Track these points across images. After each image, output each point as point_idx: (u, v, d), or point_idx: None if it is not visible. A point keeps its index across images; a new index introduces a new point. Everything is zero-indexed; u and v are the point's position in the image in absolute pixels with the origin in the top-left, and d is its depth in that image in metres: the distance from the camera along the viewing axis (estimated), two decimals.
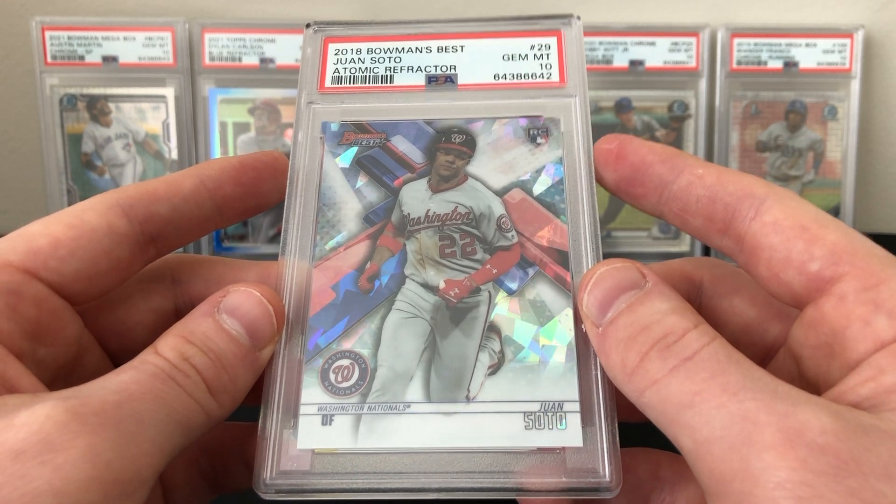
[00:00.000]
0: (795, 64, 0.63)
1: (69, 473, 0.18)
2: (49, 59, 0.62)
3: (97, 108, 0.63)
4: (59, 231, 0.23)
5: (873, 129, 0.66)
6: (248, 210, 0.27)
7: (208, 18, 0.63)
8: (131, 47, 0.62)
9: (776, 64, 0.63)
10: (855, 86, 0.63)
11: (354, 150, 0.28)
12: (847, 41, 0.62)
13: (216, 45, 0.63)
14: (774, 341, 0.25)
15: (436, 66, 0.29)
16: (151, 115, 0.63)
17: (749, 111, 0.63)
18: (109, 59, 0.62)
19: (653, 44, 0.63)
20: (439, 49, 0.29)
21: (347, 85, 0.29)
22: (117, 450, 0.18)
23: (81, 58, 0.62)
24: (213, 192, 0.25)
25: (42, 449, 0.18)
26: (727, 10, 0.64)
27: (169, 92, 0.63)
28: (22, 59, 0.65)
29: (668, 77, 0.63)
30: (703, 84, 0.63)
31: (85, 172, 0.63)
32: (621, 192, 0.26)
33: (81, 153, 0.63)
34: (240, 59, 0.63)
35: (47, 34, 0.62)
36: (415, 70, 0.29)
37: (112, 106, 0.63)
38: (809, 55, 0.63)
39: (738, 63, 0.63)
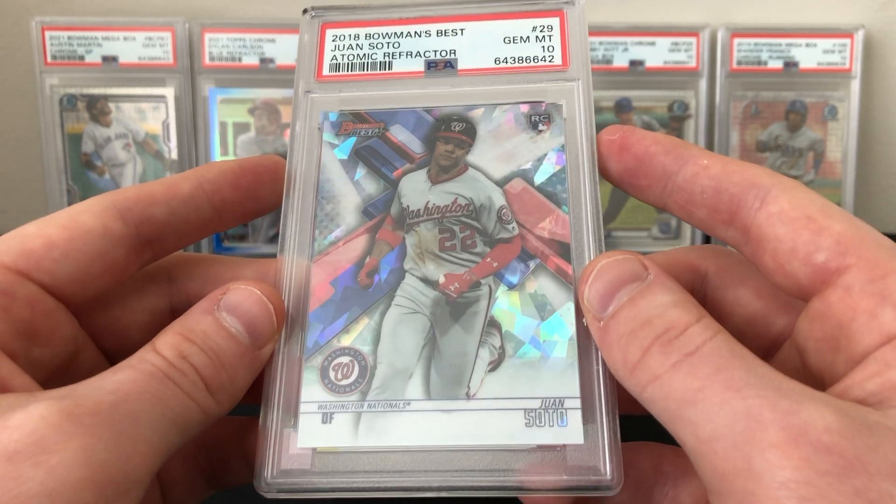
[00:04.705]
0: (795, 64, 0.63)
1: (63, 475, 0.17)
2: (49, 59, 0.62)
3: (97, 108, 0.63)
4: (54, 232, 0.22)
5: (873, 129, 0.66)
6: (246, 214, 0.26)
7: (208, 18, 0.63)
8: (131, 47, 0.62)
9: (776, 64, 0.63)
10: (855, 86, 0.63)
11: (353, 140, 0.27)
12: (847, 41, 0.62)
13: (216, 45, 0.63)
14: (780, 334, 0.25)
15: (435, 51, 0.28)
16: (151, 115, 0.63)
17: (749, 111, 0.63)
18: (109, 59, 0.62)
19: (653, 44, 0.63)
20: (439, 33, 0.28)
21: (346, 73, 0.28)
22: (112, 450, 0.18)
23: (81, 58, 0.62)
24: (212, 196, 0.25)
25: (36, 450, 0.18)
26: (727, 10, 0.64)
27: (169, 92, 0.63)
28: (22, 59, 0.65)
29: (668, 77, 0.63)
30: (703, 84, 0.63)
31: (85, 172, 0.63)
32: (625, 183, 0.25)
33: (81, 153, 0.63)
34: (240, 59, 0.63)
35: (47, 34, 0.62)
36: (413, 56, 0.28)
37: (112, 106, 0.63)
38: (809, 55, 0.63)
39: (738, 63, 0.63)
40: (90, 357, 0.25)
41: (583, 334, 0.24)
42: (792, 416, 0.17)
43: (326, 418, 0.23)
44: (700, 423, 0.19)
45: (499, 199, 0.26)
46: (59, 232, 0.22)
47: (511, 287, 0.25)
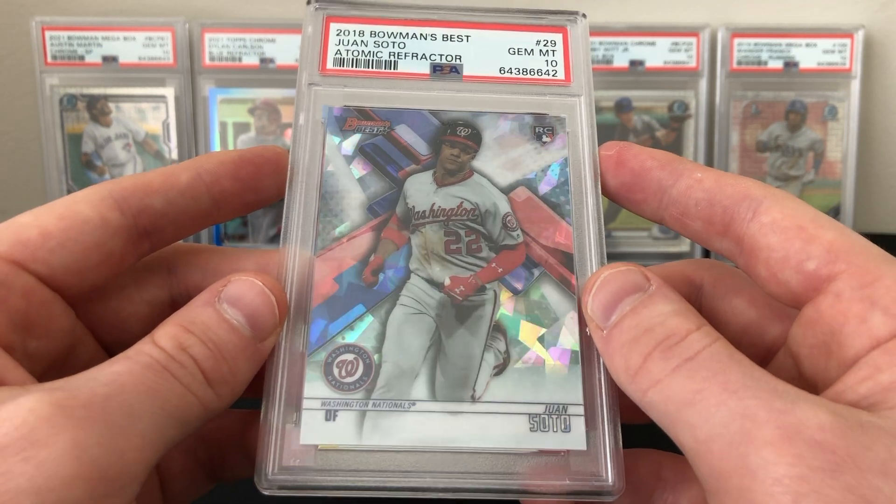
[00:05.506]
0: (795, 64, 0.63)
1: (52, 470, 0.17)
2: (49, 59, 0.62)
3: (97, 108, 0.63)
4: (50, 222, 0.22)
5: (873, 129, 0.66)
6: (246, 205, 0.26)
7: (208, 18, 0.63)
8: (131, 47, 0.62)
9: (776, 64, 0.63)
10: (855, 86, 0.63)
11: (358, 136, 0.27)
12: (847, 41, 0.62)
13: (216, 45, 0.62)
14: (774, 342, 0.25)
15: (441, 55, 0.28)
16: (151, 115, 0.63)
17: (749, 111, 0.63)
18: (109, 59, 0.62)
19: (653, 44, 0.63)
20: (444, 37, 0.29)
21: (350, 68, 0.28)
22: (104, 445, 0.18)
23: (81, 58, 0.62)
24: (211, 186, 0.25)
25: (24, 445, 0.17)
26: (727, 10, 0.64)
27: (169, 92, 0.63)
28: (22, 59, 0.65)
29: (669, 77, 0.63)
30: (703, 84, 0.63)
31: (85, 172, 0.63)
32: (621, 197, 0.26)
33: (81, 153, 0.63)
34: (240, 59, 0.63)
35: (47, 34, 0.62)
36: (419, 57, 0.28)
37: (112, 106, 0.63)
38: (809, 55, 0.63)
39: (739, 63, 0.63)
40: (88, 350, 0.24)
41: (585, 343, 0.24)
42: (786, 416, 0.18)
43: (330, 415, 0.23)
44: (698, 423, 0.19)
45: (504, 206, 0.26)
46: (55, 221, 0.22)
47: (516, 293, 0.25)
